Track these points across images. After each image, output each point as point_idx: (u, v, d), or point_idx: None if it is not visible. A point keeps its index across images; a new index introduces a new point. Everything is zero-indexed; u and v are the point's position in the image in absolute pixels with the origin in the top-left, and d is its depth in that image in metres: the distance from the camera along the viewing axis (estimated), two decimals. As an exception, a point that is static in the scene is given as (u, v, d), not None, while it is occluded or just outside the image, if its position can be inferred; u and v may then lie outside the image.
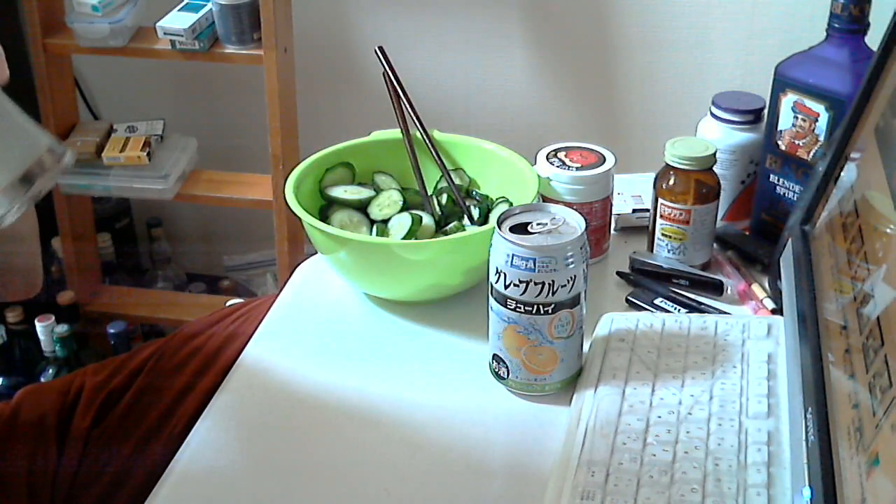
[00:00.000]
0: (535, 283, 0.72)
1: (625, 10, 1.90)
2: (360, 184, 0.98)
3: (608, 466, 0.67)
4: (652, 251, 0.95)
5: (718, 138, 0.96)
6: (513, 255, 0.72)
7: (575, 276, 0.73)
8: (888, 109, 0.70)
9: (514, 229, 0.73)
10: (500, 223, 0.74)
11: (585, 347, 0.79)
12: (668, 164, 0.91)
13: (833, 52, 0.87)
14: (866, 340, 0.60)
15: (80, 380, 0.92)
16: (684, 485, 0.65)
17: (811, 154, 0.90)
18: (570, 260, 0.72)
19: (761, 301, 0.89)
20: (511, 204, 0.92)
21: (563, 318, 0.74)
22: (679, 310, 0.88)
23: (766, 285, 0.90)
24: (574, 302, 0.74)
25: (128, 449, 0.87)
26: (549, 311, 0.73)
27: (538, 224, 0.74)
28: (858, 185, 0.73)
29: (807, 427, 0.62)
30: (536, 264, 0.71)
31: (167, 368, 0.90)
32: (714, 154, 0.90)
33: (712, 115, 0.97)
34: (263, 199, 1.87)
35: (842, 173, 0.77)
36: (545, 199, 0.92)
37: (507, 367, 0.77)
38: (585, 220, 0.74)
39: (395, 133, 0.98)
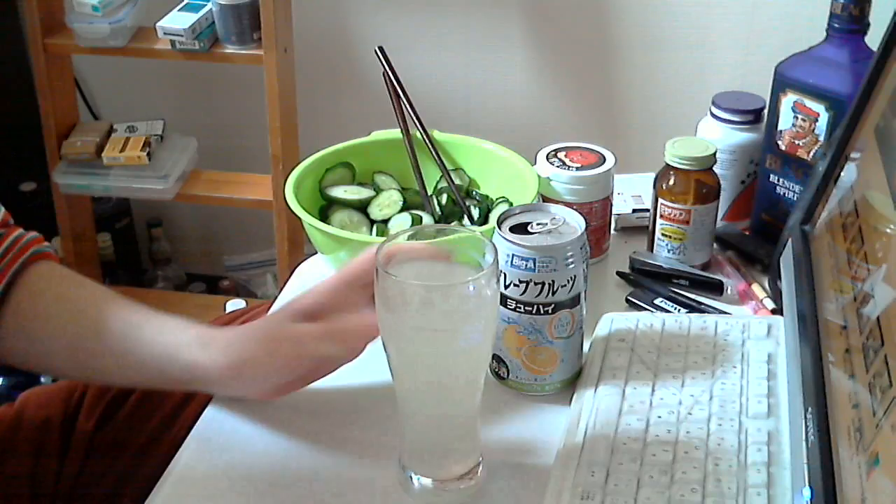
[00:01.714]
0: (535, 283, 0.72)
1: (625, 10, 1.90)
2: (360, 184, 0.98)
3: (608, 466, 0.67)
4: (652, 251, 0.95)
5: (718, 138, 0.96)
6: (513, 255, 0.72)
7: (575, 276, 0.73)
8: (888, 109, 0.70)
9: (514, 229, 0.73)
10: (499, 223, 0.74)
11: (585, 347, 0.79)
12: (668, 164, 0.91)
13: (833, 52, 0.87)
14: (866, 340, 0.60)
15: (84, 384, 0.92)
16: (684, 485, 0.65)
17: (811, 154, 0.90)
18: (570, 260, 0.72)
19: (761, 301, 0.89)
20: (511, 204, 0.92)
21: (563, 318, 0.74)
22: (679, 310, 0.88)
23: (766, 285, 0.90)
24: (574, 302, 0.74)
25: (131, 453, 0.87)
26: (549, 312, 0.73)
27: (538, 224, 0.73)
28: (858, 185, 0.73)
29: (807, 427, 0.62)
30: (536, 264, 0.71)
31: None
32: (714, 154, 0.90)
33: (712, 115, 0.97)
34: (263, 199, 1.87)
35: (842, 173, 0.77)
36: (545, 199, 0.92)
37: (507, 367, 0.77)
38: (585, 219, 0.74)
39: (395, 133, 0.98)
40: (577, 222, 0.74)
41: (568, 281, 0.72)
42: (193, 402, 0.88)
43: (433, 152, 0.96)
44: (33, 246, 0.81)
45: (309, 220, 0.85)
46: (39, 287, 0.80)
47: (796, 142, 0.91)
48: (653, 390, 0.74)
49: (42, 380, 1.78)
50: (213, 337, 0.73)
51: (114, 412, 0.89)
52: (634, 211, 1.02)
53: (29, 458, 0.86)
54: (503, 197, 0.94)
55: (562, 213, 0.75)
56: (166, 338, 0.75)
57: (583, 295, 0.75)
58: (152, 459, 0.85)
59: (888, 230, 0.63)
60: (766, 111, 0.94)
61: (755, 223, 0.98)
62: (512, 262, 0.72)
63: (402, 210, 0.93)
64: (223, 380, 0.72)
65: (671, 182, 0.91)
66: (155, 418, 0.88)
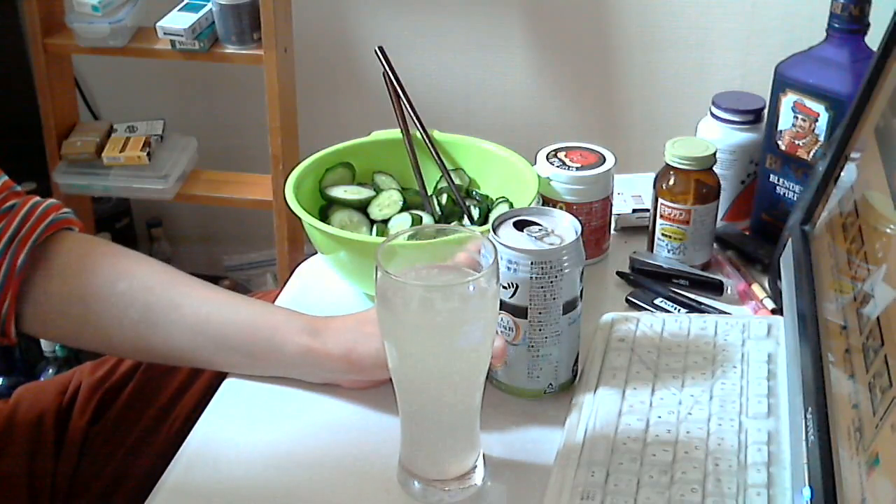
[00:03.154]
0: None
1: (625, 9, 1.90)
2: (360, 184, 0.98)
3: (608, 466, 0.67)
4: (652, 251, 0.95)
5: (718, 138, 0.96)
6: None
7: (516, 285, 0.71)
8: (888, 109, 0.70)
9: (517, 224, 0.73)
10: (496, 223, 0.74)
11: (584, 352, 0.79)
12: (668, 164, 0.91)
13: (833, 52, 0.87)
14: (866, 340, 0.60)
15: (78, 378, 0.92)
16: (684, 485, 0.65)
17: (811, 154, 0.90)
18: (513, 266, 0.71)
19: (761, 301, 0.89)
20: (511, 204, 0.92)
21: (505, 320, 0.73)
22: (679, 310, 0.88)
23: (766, 285, 0.90)
24: (518, 312, 0.73)
25: (127, 446, 0.87)
26: None
27: (536, 227, 0.73)
28: (858, 185, 0.73)
29: (807, 427, 0.62)
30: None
31: (164, 365, 0.90)
32: (714, 154, 0.90)
33: (712, 115, 0.97)
34: (263, 199, 1.87)
35: (842, 173, 0.77)
36: (545, 200, 0.92)
37: None
38: (581, 225, 0.73)
39: (395, 133, 0.97)
40: (564, 233, 0.72)
41: (509, 284, 0.71)
42: (188, 395, 0.88)
43: (433, 152, 0.96)
44: (52, 214, 0.81)
45: (309, 220, 0.85)
46: (83, 261, 0.80)
47: (796, 142, 0.91)
48: (653, 390, 0.74)
49: (42, 378, 1.79)
50: (322, 326, 0.77)
51: (108, 406, 0.89)
52: (634, 211, 1.02)
53: (24, 455, 0.86)
54: (503, 197, 0.94)
55: (560, 223, 0.74)
56: (261, 319, 0.78)
57: (534, 313, 0.73)
58: (148, 452, 0.85)
59: (888, 230, 0.63)
60: (766, 111, 0.94)
61: (755, 223, 0.98)
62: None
63: (402, 210, 0.93)
64: (339, 367, 0.75)
65: (671, 182, 0.91)
66: (149, 411, 0.89)
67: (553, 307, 0.73)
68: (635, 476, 0.66)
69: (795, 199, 0.92)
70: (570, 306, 0.73)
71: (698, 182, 0.90)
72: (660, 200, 0.92)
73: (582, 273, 0.73)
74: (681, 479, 0.65)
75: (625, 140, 1.96)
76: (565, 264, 0.71)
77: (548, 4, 1.94)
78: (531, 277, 0.71)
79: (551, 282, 0.71)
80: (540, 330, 0.74)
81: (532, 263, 0.71)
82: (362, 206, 0.94)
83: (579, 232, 0.72)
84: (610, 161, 0.93)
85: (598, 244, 0.95)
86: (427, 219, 0.92)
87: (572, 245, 0.71)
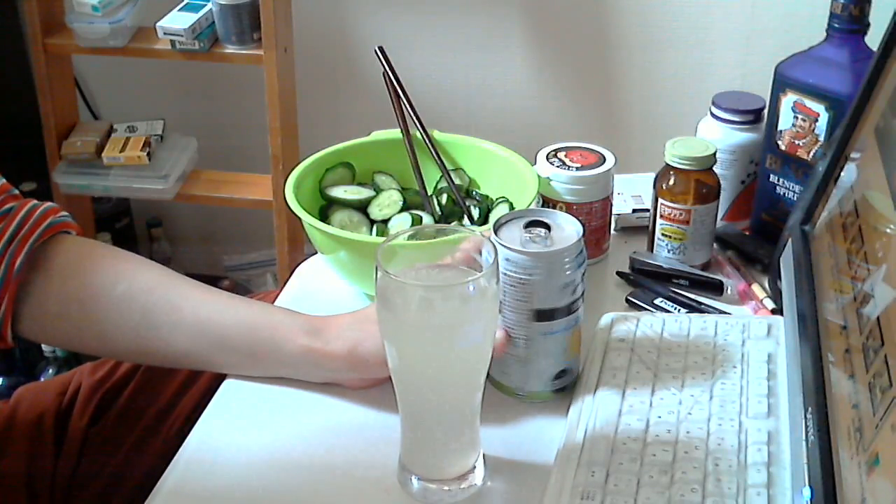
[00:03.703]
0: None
1: (625, 9, 1.90)
2: (360, 184, 0.98)
3: (608, 466, 0.67)
4: (652, 251, 0.95)
5: (718, 138, 0.96)
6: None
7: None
8: (888, 109, 0.70)
9: (528, 225, 0.73)
10: (495, 227, 0.74)
11: (584, 355, 0.79)
12: (668, 164, 0.91)
13: (833, 52, 0.87)
14: (866, 340, 0.60)
15: (78, 378, 0.92)
16: (684, 485, 0.65)
17: (811, 154, 0.90)
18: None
19: (761, 301, 0.89)
20: (511, 204, 0.92)
21: None
22: (679, 310, 0.88)
23: (766, 285, 0.90)
24: None
25: (126, 447, 0.87)
26: None
27: (534, 230, 0.73)
28: (858, 185, 0.73)
29: (807, 427, 0.62)
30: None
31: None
32: (714, 154, 0.90)
33: (712, 115, 0.97)
34: (263, 199, 1.87)
35: (842, 173, 0.77)
36: (545, 200, 0.92)
37: None
38: (583, 227, 0.72)
39: (395, 133, 0.97)
40: (559, 238, 0.72)
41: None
42: (188, 395, 0.88)
43: (433, 152, 0.96)
44: (49, 217, 0.81)
45: (309, 220, 0.85)
46: (82, 263, 0.80)
47: (796, 142, 0.91)
48: (653, 390, 0.74)
49: (42, 379, 1.79)
50: (322, 325, 0.77)
51: (108, 407, 0.89)
52: (634, 211, 1.02)
53: (24, 456, 0.86)
54: (503, 197, 0.94)
55: (561, 223, 0.74)
56: (261, 320, 0.78)
57: (505, 310, 0.73)
58: (148, 452, 0.85)
59: (888, 230, 0.63)
60: (766, 111, 0.94)
61: (755, 223, 0.98)
62: None
63: (402, 210, 0.93)
64: (340, 366, 0.76)
65: (671, 182, 0.91)
66: (149, 412, 0.88)
67: (522, 310, 0.73)
68: (635, 476, 0.66)
69: (795, 199, 0.92)
70: (543, 316, 0.73)
71: (698, 182, 0.90)
72: (660, 200, 0.92)
73: (572, 287, 0.72)
74: (681, 479, 0.65)
75: (625, 140, 1.96)
76: (537, 272, 0.71)
77: (548, 4, 1.94)
78: (504, 273, 0.72)
79: (522, 283, 0.71)
80: (510, 328, 0.74)
81: (506, 260, 0.71)
82: (362, 206, 0.94)
83: (581, 234, 0.72)
84: (610, 161, 0.93)
85: (598, 244, 0.95)
86: (427, 219, 0.92)
87: (561, 252, 0.71)
